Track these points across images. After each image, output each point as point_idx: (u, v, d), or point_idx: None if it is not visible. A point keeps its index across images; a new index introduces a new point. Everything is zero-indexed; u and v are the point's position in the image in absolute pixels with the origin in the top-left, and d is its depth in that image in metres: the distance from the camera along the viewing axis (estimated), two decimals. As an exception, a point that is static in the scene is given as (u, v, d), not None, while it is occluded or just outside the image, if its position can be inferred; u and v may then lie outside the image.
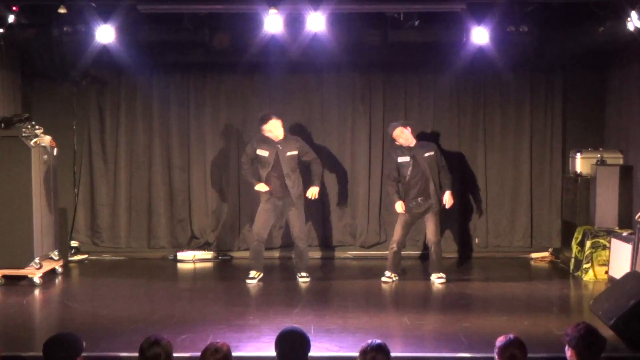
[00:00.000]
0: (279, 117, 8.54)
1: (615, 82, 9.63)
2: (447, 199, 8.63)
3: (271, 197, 8.58)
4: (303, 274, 8.74)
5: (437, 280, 8.58)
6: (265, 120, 8.47)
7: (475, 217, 10.13)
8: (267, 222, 8.69)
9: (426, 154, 8.56)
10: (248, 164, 8.70)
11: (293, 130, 9.74)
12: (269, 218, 8.68)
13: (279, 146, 8.52)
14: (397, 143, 8.61)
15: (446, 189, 8.64)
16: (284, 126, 8.59)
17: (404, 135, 8.55)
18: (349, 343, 6.09)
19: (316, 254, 9.99)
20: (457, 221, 10.06)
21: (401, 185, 8.63)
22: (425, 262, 9.23)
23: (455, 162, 9.98)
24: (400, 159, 8.57)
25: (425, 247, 9.43)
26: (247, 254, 9.81)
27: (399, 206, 8.58)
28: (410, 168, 8.52)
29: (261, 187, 8.58)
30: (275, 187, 8.56)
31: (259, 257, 8.73)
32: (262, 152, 8.55)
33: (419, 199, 8.55)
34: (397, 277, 8.67)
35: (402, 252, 8.78)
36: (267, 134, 8.49)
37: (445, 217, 9.71)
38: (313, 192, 8.74)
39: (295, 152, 8.60)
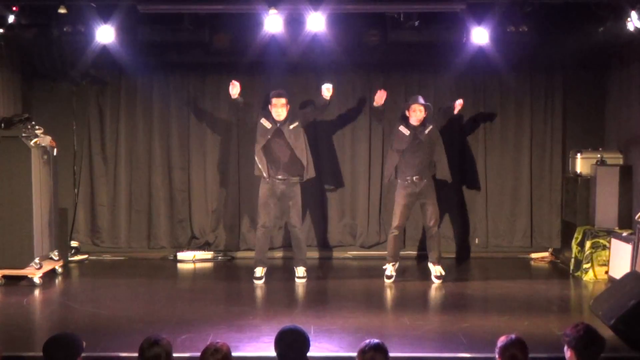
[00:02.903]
0: (290, 103, 8.57)
1: (615, 82, 9.63)
2: (458, 103, 8.75)
3: (270, 179, 8.55)
4: (300, 270, 8.71)
5: (435, 279, 8.57)
6: (280, 95, 8.50)
7: (475, 217, 10.12)
8: (268, 208, 8.65)
9: (427, 130, 8.57)
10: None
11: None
12: (268, 203, 8.63)
13: (278, 124, 8.52)
14: (406, 114, 8.63)
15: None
16: (289, 113, 8.57)
17: (419, 115, 8.58)
18: (349, 343, 6.09)
19: (316, 253, 10.00)
20: (457, 221, 10.06)
21: (397, 159, 8.62)
22: (424, 263, 9.20)
23: (455, 162, 9.98)
24: (402, 129, 8.59)
25: (424, 248, 9.40)
26: (247, 254, 9.86)
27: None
28: (409, 142, 8.53)
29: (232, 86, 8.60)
30: (281, 164, 8.54)
31: (264, 250, 8.74)
32: (265, 123, 8.57)
33: (415, 177, 8.54)
34: (396, 265, 8.66)
35: (401, 252, 8.81)
36: (272, 107, 8.50)
37: (444, 217, 9.75)
38: (326, 90, 8.62)
39: (297, 123, 8.58)
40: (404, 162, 8.58)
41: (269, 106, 8.58)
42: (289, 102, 8.57)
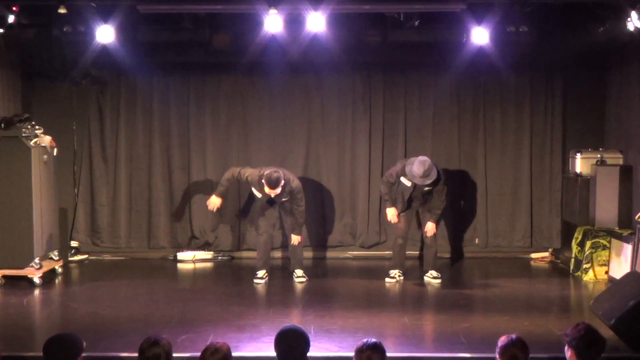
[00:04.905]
0: (284, 184, 8.34)
1: (615, 82, 9.62)
2: (429, 229, 8.59)
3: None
4: (299, 272, 8.72)
5: (433, 280, 8.59)
6: (274, 187, 8.19)
7: (475, 218, 10.12)
8: (271, 216, 8.71)
9: (426, 188, 8.43)
10: (230, 182, 8.74)
11: (294, 131, 9.84)
12: (266, 208, 8.68)
13: (272, 195, 8.40)
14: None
15: (432, 219, 8.58)
16: (282, 188, 8.34)
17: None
18: (349, 343, 6.08)
19: (316, 254, 10.00)
20: (457, 221, 10.06)
21: (398, 197, 8.62)
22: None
23: (455, 162, 10.00)
24: (403, 180, 8.47)
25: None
26: (247, 254, 9.87)
27: (392, 214, 8.57)
28: (411, 191, 8.48)
29: (213, 200, 8.68)
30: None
31: (266, 255, 8.76)
32: (256, 193, 8.57)
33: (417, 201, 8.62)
34: (402, 276, 8.65)
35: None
36: (265, 190, 8.32)
37: (445, 217, 9.74)
38: (295, 240, 8.69)
39: (288, 198, 8.51)
40: (402, 201, 8.57)
41: (263, 181, 8.30)
42: (283, 185, 8.31)
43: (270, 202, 8.59)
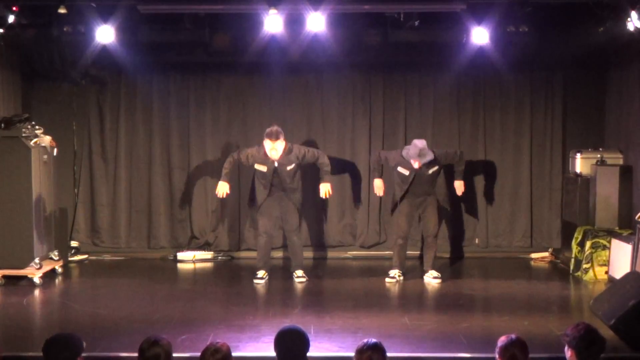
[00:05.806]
0: (285, 138, 8.37)
1: (615, 82, 9.63)
2: (458, 186, 8.76)
3: (268, 197, 8.59)
4: (299, 273, 8.71)
5: (433, 280, 8.59)
6: (275, 137, 8.22)
7: (475, 217, 10.12)
8: (272, 216, 8.68)
9: (431, 171, 8.49)
10: (232, 165, 8.67)
11: (294, 131, 9.82)
12: (272, 211, 8.66)
13: (276, 163, 8.40)
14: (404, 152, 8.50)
15: (458, 178, 8.77)
16: (285, 151, 8.39)
17: (418, 165, 8.45)
18: (349, 343, 6.08)
19: (316, 253, 10.01)
20: (457, 221, 10.06)
21: (398, 185, 8.64)
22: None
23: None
24: (400, 169, 8.52)
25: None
26: (247, 254, 9.88)
27: (379, 186, 8.72)
28: (410, 180, 8.50)
29: (220, 187, 8.54)
30: (274, 191, 8.57)
31: (266, 256, 8.75)
32: (260, 168, 8.49)
33: (418, 199, 8.60)
34: (402, 276, 8.65)
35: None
36: (267, 148, 8.32)
37: (444, 217, 9.75)
38: (325, 189, 8.65)
39: (294, 165, 8.48)
40: (406, 190, 8.57)
41: (263, 142, 8.36)
42: (284, 139, 8.34)
43: (275, 184, 8.49)
